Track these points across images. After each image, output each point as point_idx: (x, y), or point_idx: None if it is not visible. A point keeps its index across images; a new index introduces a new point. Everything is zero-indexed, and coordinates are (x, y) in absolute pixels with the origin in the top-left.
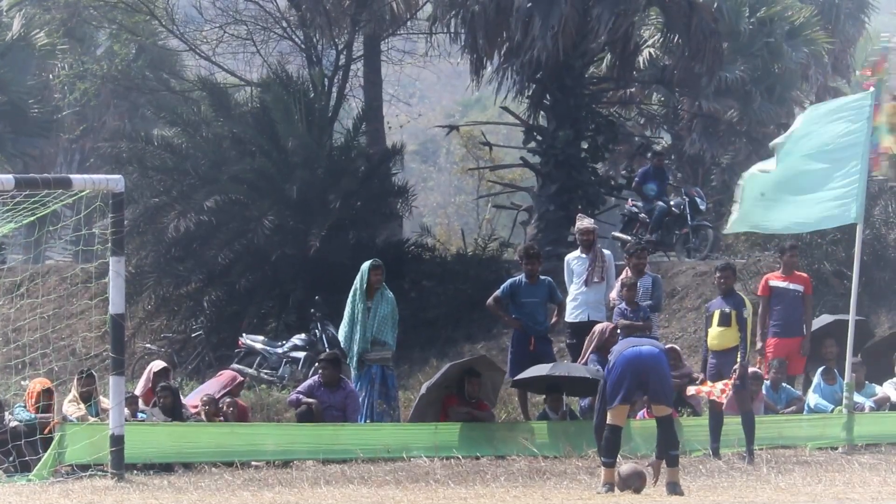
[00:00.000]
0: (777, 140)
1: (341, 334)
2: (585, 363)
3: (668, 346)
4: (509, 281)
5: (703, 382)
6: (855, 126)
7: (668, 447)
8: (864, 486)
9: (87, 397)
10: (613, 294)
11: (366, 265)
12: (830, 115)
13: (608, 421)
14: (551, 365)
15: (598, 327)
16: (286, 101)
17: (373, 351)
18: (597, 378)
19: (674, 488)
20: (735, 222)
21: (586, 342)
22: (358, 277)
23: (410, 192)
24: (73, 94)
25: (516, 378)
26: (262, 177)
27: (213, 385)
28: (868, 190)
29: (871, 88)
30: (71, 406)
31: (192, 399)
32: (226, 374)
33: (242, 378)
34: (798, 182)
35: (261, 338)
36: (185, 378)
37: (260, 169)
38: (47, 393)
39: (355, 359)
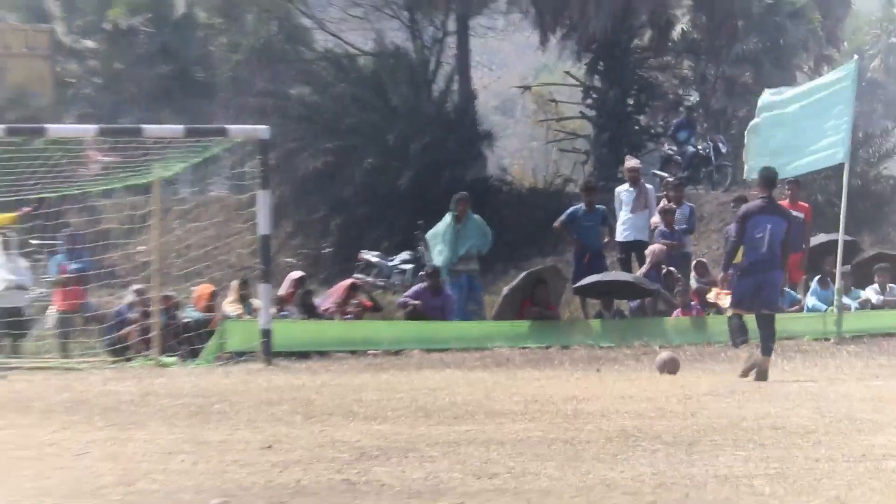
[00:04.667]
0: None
1: (435, 250)
2: (648, 277)
3: (696, 259)
4: (571, 209)
5: (721, 290)
6: (841, 77)
7: (766, 340)
8: (850, 368)
9: (243, 299)
10: (655, 219)
11: (456, 196)
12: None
13: (732, 314)
14: (594, 277)
15: (653, 248)
16: (394, 67)
17: (460, 263)
18: (641, 284)
19: (764, 374)
20: (749, 171)
21: (647, 263)
22: (450, 206)
23: (492, 139)
24: (228, 63)
25: (576, 285)
26: (374, 127)
27: (337, 290)
28: (854, 136)
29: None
30: (230, 306)
31: (323, 301)
32: (346, 283)
33: (359, 283)
34: (795, 134)
35: (376, 253)
36: (317, 285)
37: (372, 121)
38: (211, 296)
39: (446, 269)
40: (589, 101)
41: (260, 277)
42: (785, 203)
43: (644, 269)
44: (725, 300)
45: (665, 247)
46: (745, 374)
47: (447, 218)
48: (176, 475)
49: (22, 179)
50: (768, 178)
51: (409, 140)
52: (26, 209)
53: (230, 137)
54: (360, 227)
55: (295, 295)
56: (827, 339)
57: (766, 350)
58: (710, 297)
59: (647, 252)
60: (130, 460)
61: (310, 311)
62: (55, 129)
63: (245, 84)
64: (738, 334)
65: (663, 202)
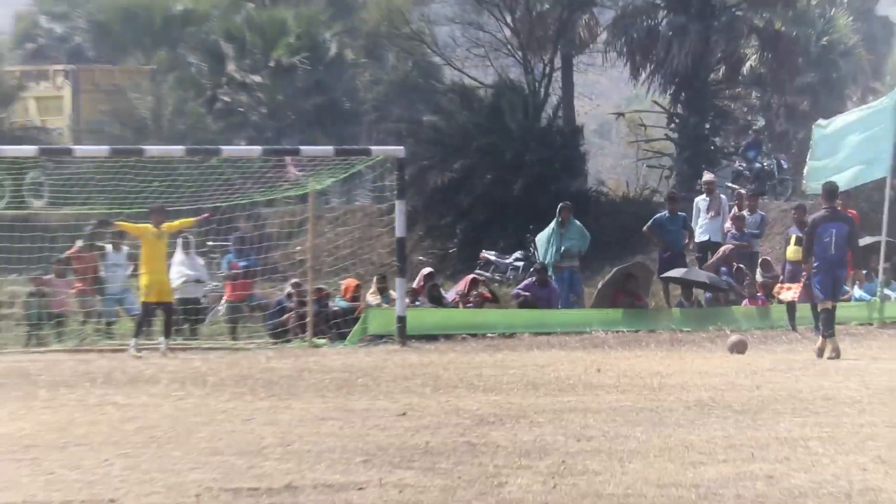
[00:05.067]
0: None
1: (543, 250)
2: (716, 272)
3: (762, 258)
4: (657, 216)
5: (783, 285)
6: (884, 105)
7: (827, 326)
8: (890, 349)
9: (382, 291)
10: (728, 224)
11: (560, 205)
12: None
13: (820, 307)
14: (685, 270)
15: (724, 248)
16: (509, 98)
17: (564, 261)
18: (714, 283)
19: (836, 352)
20: (810, 188)
21: (715, 256)
22: (556, 213)
23: (591, 157)
24: (371, 94)
25: (664, 275)
26: (492, 148)
27: (461, 284)
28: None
29: None
30: (371, 297)
31: (449, 294)
32: (468, 277)
33: (478, 278)
34: (845, 153)
35: (494, 252)
36: (443, 279)
37: (491, 143)
38: (355, 288)
39: (551, 266)
40: (672, 125)
41: (396, 273)
42: None
43: (711, 261)
44: (786, 294)
45: (733, 247)
46: (820, 354)
47: (553, 223)
48: (326, 437)
49: (200, 191)
50: (830, 191)
51: (522, 158)
52: (204, 216)
53: (372, 156)
54: (481, 230)
55: (425, 288)
56: (870, 324)
57: (828, 334)
58: (775, 291)
59: (721, 250)
60: (288, 425)
61: (437, 301)
62: (228, 150)
63: (385, 112)
64: (827, 326)
65: (734, 210)
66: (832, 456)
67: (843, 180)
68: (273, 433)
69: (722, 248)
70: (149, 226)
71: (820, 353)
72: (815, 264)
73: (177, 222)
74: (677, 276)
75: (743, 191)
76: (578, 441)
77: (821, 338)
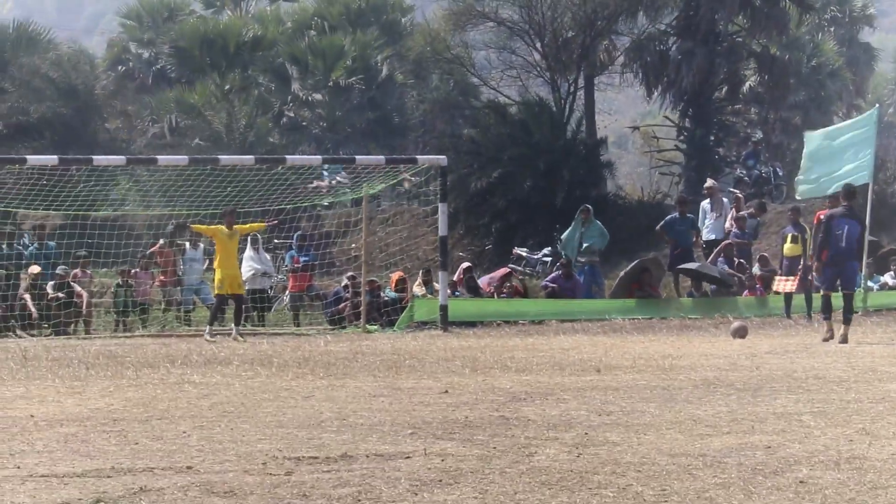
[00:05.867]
0: (812, 133)
1: (567, 246)
2: (714, 262)
3: (760, 254)
4: (668, 217)
5: (781, 277)
6: (866, 119)
7: (847, 313)
8: (873, 334)
9: (426, 283)
10: (728, 224)
11: (581, 207)
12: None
13: (822, 296)
14: (700, 264)
15: (723, 244)
16: (538, 114)
17: (586, 256)
18: (723, 277)
19: (844, 339)
20: (799, 193)
21: (716, 250)
22: (577, 214)
23: (610, 166)
24: (417, 111)
25: (680, 266)
26: (523, 157)
27: (496, 276)
28: (875, 163)
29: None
30: (417, 288)
31: (482, 280)
32: (502, 270)
33: (511, 272)
34: (832, 162)
35: (525, 249)
36: (480, 273)
37: (522, 153)
38: (403, 280)
39: (573, 261)
40: (681, 137)
41: (439, 267)
42: (825, 212)
43: (712, 257)
44: (782, 285)
45: (733, 244)
46: (826, 340)
47: (575, 223)
48: (377, 412)
49: (267, 195)
50: (849, 192)
51: (550, 166)
52: (272, 222)
53: (418, 165)
54: (514, 230)
55: (464, 280)
56: (856, 312)
57: (847, 320)
58: (774, 285)
59: (721, 245)
60: (344, 401)
61: (475, 292)
62: (291, 159)
63: (429, 126)
64: (825, 310)
65: (733, 211)
66: (823, 428)
67: (832, 186)
68: (330, 408)
69: (723, 244)
70: (222, 227)
71: (830, 335)
72: (827, 256)
73: (247, 226)
74: (692, 268)
75: (741, 195)
76: (599, 415)
77: (826, 323)
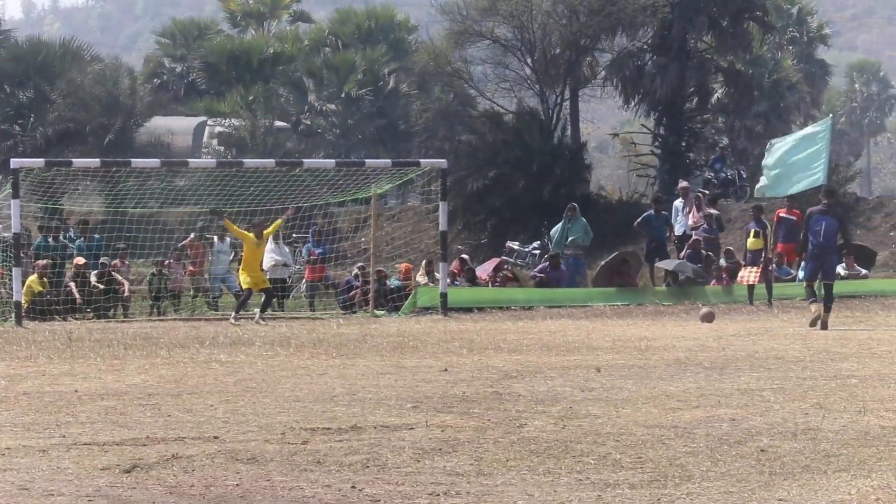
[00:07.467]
0: (774, 140)
1: (554, 241)
2: (683, 257)
3: (725, 248)
4: (645, 214)
5: (743, 268)
6: (821, 128)
7: (828, 301)
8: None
9: (429, 273)
10: (691, 221)
11: (567, 205)
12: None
13: (806, 285)
14: (677, 262)
15: (693, 239)
16: (529, 122)
17: (571, 249)
18: (696, 275)
19: (825, 325)
20: (758, 190)
21: (686, 246)
22: (565, 211)
23: (592, 168)
24: (420, 119)
25: (657, 263)
26: (516, 161)
27: (488, 265)
28: (829, 167)
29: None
30: (420, 277)
31: (481, 273)
32: (493, 261)
33: (503, 262)
34: (791, 166)
35: (516, 242)
36: (476, 264)
37: (514, 157)
38: (408, 270)
39: (560, 253)
40: (656, 143)
41: (440, 259)
42: (783, 211)
43: (684, 253)
44: (746, 276)
45: (701, 238)
46: (812, 324)
47: (563, 220)
48: (384, 388)
49: (286, 194)
50: (829, 190)
51: (539, 168)
52: (288, 213)
53: (421, 167)
54: (507, 225)
55: (462, 270)
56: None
57: (827, 308)
58: (739, 275)
59: (691, 241)
60: (354, 378)
61: (472, 281)
62: (308, 162)
63: (431, 133)
64: (809, 296)
65: (704, 208)
66: (781, 403)
67: (791, 187)
68: (342, 384)
69: (693, 240)
70: (252, 235)
71: (814, 321)
72: (809, 249)
73: (270, 227)
74: (670, 268)
75: (700, 194)
76: (582, 391)
77: (811, 307)
